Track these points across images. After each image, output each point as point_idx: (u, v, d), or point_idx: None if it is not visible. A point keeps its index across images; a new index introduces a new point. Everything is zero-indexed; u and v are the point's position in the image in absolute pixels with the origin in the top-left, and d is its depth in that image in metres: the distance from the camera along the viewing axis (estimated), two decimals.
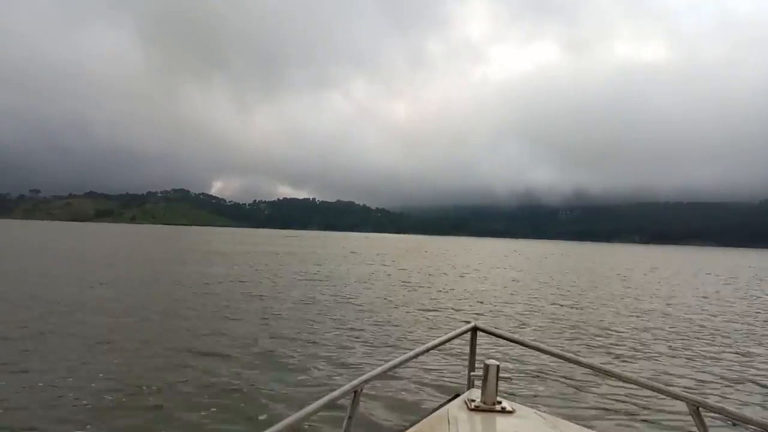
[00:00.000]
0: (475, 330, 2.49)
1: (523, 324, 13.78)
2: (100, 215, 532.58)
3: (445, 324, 13.25)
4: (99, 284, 19.20)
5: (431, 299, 18.34)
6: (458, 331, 2.49)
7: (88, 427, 5.98)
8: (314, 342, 10.61)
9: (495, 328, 2.63)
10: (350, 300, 17.23)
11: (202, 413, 6.54)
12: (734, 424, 5.47)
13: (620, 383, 6.56)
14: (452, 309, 16.22)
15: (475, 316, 14.62)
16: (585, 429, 2.01)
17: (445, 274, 31.33)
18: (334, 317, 13.76)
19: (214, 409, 6.68)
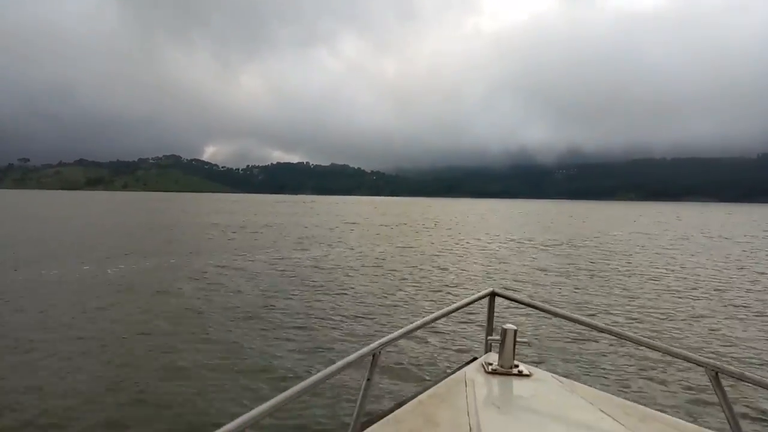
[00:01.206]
0: (493, 295, 2.48)
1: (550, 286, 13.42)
2: (92, 183, 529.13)
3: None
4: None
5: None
6: (476, 295, 2.47)
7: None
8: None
9: (513, 292, 2.70)
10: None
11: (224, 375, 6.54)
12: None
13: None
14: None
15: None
16: (602, 393, 2.00)
17: (466, 248, 29.95)
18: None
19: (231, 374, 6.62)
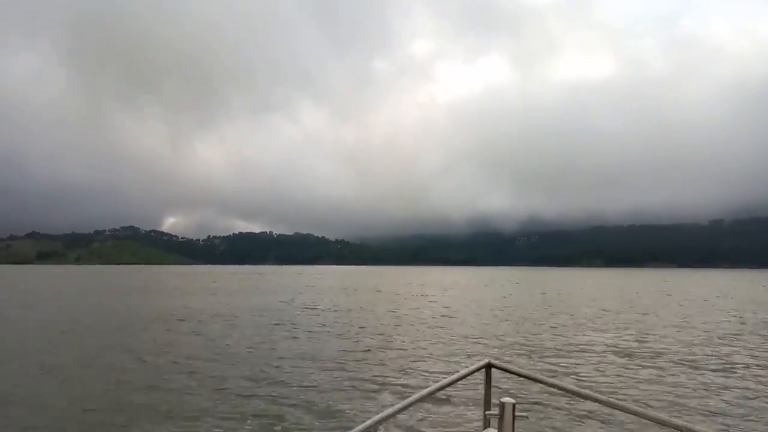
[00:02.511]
0: (489, 366, 2.38)
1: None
2: (43, 257, 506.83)
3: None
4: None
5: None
6: (472, 368, 2.41)
7: None
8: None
9: (509, 364, 2.52)
10: None
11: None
12: None
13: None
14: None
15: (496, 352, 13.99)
16: None
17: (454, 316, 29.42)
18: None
19: None
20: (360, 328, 17.86)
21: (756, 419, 8.15)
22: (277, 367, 11.21)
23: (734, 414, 8.38)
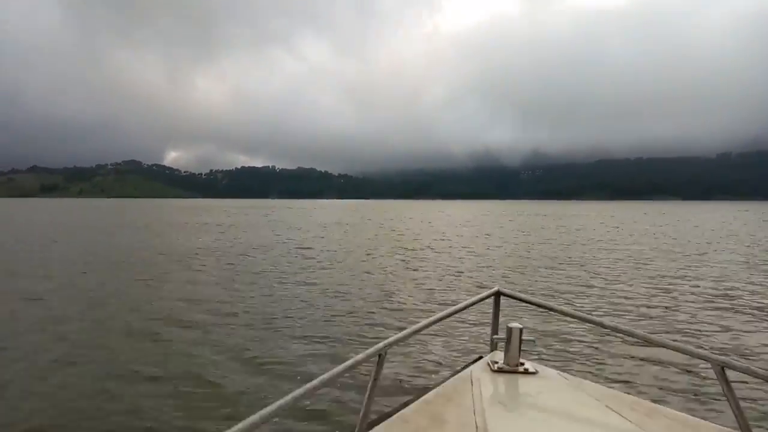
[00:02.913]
0: (498, 294, 2.50)
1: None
2: (46, 190, 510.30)
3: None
4: None
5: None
6: (481, 295, 2.49)
7: None
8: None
9: (518, 292, 2.60)
10: None
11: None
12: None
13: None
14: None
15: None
16: (608, 389, 2.04)
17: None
18: None
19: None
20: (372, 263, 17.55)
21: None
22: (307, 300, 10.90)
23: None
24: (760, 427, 4.96)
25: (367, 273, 14.41)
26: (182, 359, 6.94)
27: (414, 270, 14.96)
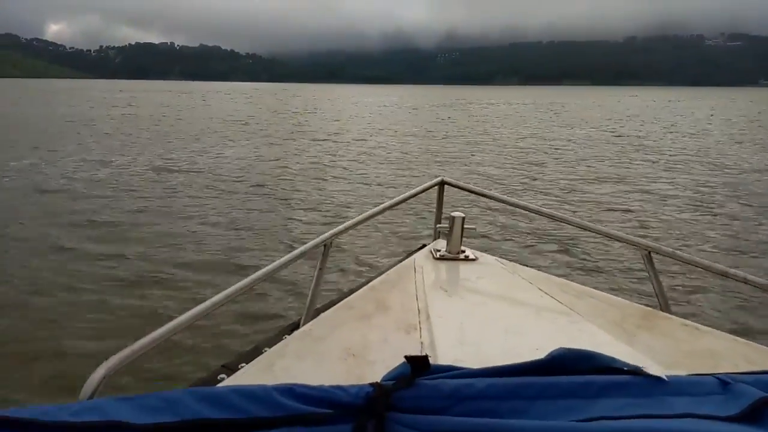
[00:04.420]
0: (442, 184, 2.55)
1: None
2: None
3: None
4: None
5: None
6: (426, 185, 2.54)
7: None
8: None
9: (463, 182, 2.68)
10: None
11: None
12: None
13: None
14: None
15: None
16: (542, 273, 2.15)
17: None
18: None
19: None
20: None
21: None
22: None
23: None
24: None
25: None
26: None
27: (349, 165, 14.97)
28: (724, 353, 1.57)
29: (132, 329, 4.71)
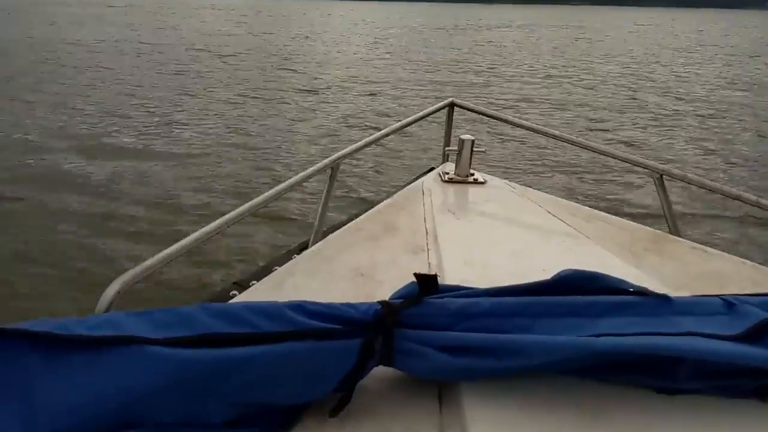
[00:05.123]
0: (452, 105, 2.51)
1: None
2: None
3: None
4: None
5: None
6: (435, 107, 2.53)
7: None
8: None
9: (472, 103, 2.65)
10: None
11: None
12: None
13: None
14: None
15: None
16: (551, 196, 2.16)
17: None
18: None
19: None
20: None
21: None
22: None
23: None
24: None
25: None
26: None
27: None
28: (731, 276, 1.58)
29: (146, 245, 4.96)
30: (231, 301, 1.35)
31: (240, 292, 1.47)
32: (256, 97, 12.12)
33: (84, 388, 0.72)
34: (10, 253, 4.86)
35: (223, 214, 1.37)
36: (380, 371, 0.96)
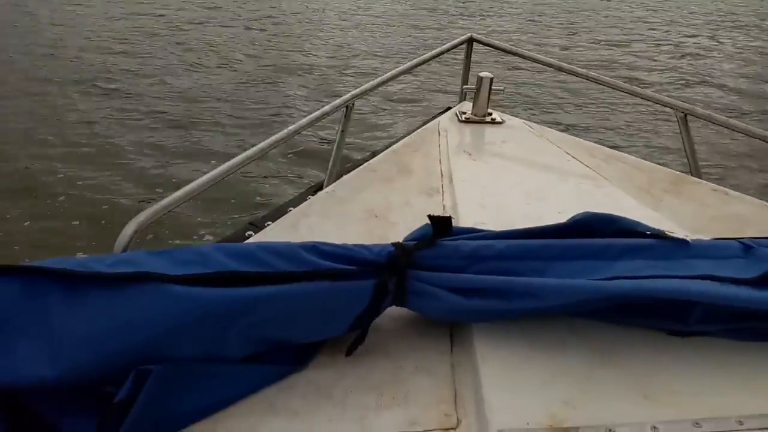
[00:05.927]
0: (471, 41, 2.38)
1: None
2: None
3: None
4: None
5: None
6: (453, 42, 2.41)
7: None
8: None
9: (492, 39, 2.57)
10: None
11: None
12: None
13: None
14: None
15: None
16: (570, 137, 2.11)
17: None
18: None
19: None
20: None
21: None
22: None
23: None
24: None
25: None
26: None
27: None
28: (751, 219, 1.54)
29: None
30: (247, 241, 1.36)
31: (255, 233, 1.47)
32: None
33: (104, 324, 0.73)
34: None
35: (237, 155, 1.36)
36: (393, 311, 0.96)
